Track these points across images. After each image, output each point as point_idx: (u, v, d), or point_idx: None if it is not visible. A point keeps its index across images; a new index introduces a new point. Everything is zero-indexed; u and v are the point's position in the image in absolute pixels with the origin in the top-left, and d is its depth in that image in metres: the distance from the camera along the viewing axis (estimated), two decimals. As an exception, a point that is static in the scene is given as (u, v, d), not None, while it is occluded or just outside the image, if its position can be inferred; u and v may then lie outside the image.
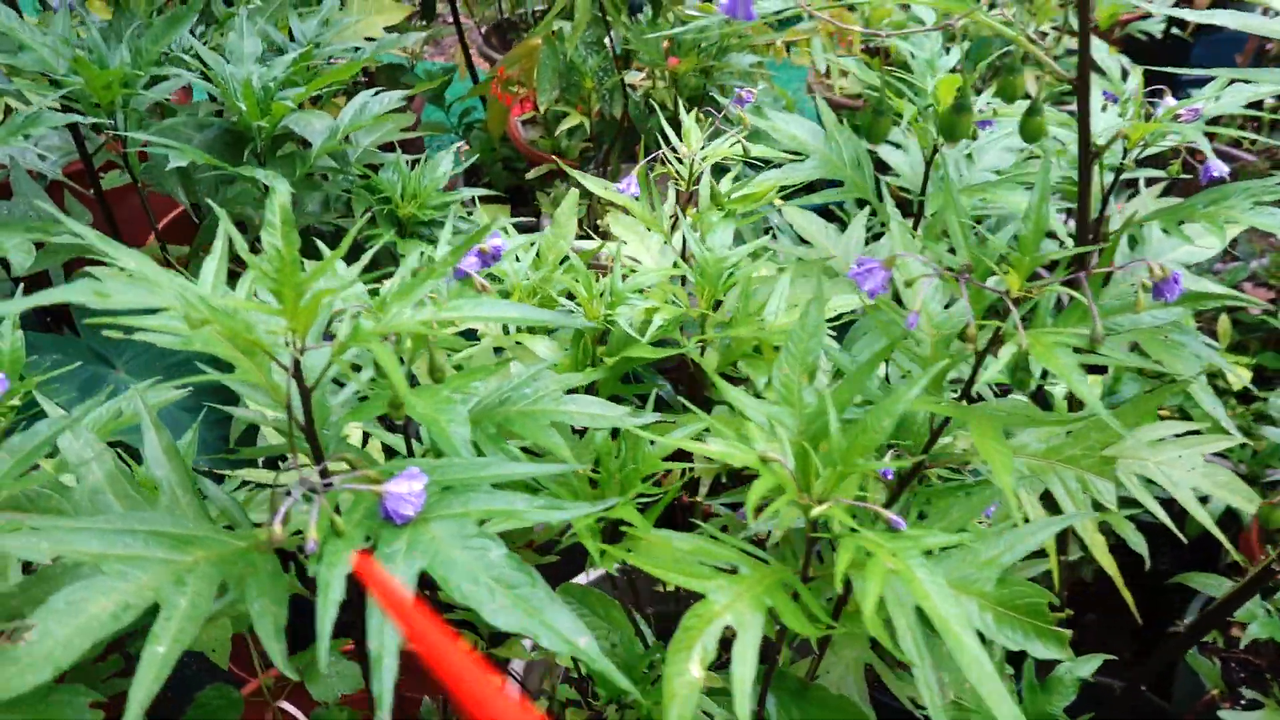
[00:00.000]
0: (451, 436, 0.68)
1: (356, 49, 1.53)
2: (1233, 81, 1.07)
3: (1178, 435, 0.87)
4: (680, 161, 1.01)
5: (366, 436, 1.19)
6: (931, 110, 1.04)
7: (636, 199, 0.94)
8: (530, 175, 1.94)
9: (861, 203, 1.49)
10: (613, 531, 0.86)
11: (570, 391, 0.85)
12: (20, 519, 0.68)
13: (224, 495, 0.79)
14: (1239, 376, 1.34)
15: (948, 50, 1.08)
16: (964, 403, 0.66)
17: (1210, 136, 1.08)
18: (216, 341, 0.62)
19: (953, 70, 1.05)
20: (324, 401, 0.74)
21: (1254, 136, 1.02)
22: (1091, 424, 0.70)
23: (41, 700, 0.60)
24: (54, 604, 0.55)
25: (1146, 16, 2.93)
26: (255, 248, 1.50)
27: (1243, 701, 1.32)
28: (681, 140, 1.01)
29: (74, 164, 1.40)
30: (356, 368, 0.73)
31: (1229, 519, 1.51)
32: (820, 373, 0.76)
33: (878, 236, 1.31)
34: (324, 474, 0.64)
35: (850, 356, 0.83)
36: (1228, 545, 0.95)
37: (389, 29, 2.12)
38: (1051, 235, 1.08)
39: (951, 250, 0.74)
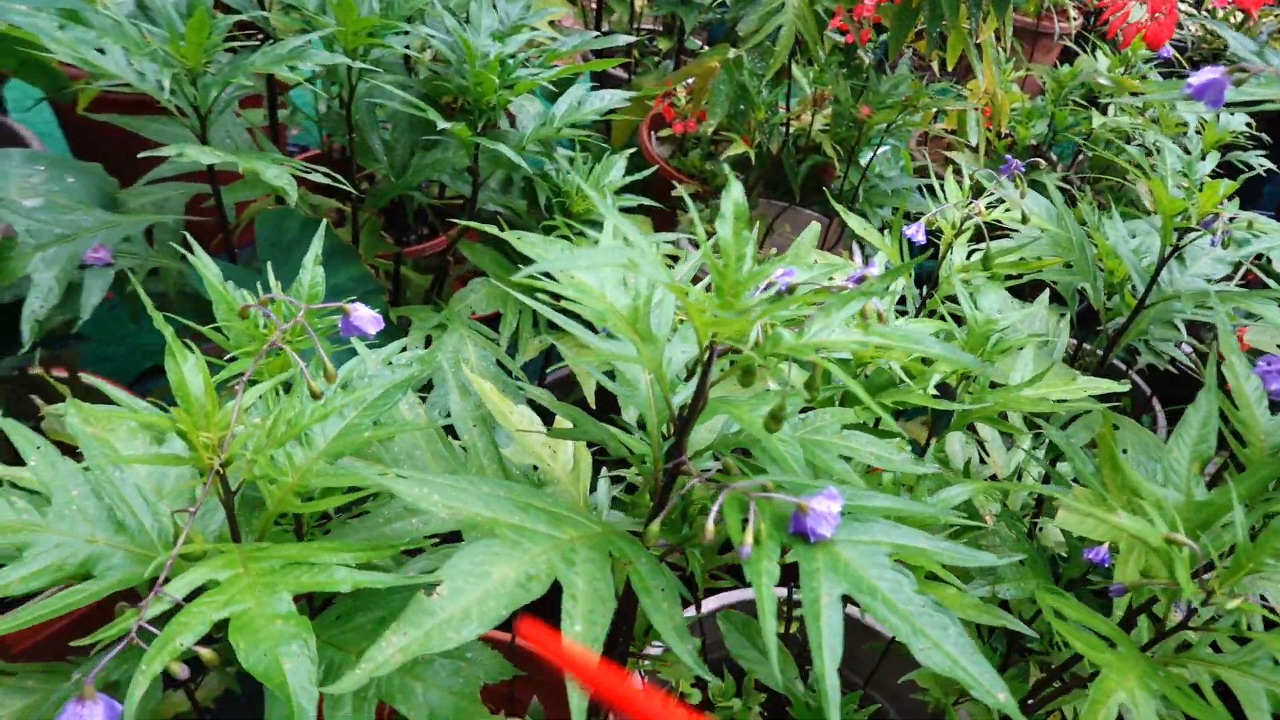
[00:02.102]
0: (787, 456, 0.67)
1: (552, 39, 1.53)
2: None
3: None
4: (940, 218, 1.01)
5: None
6: (1192, 211, 1.05)
7: (923, 247, 0.94)
8: (676, 193, 1.94)
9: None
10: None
11: (846, 427, 0.85)
12: (364, 466, 0.66)
13: (520, 470, 0.77)
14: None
15: (1204, 157, 1.10)
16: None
17: None
18: (620, 323, 0.61)
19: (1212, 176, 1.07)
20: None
21: None
22: None
23: (415, 661, 0.58)
24: (459, 564, 0.53)
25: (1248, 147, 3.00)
26: (445, 219, 1.47)
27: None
28: (949, 199, 1.01)
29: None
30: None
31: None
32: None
33: (1079, 319, 1.32)
34: (683, 472, 0.63)
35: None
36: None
37: (550, 23, 2.12)
38: None
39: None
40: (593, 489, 1.01)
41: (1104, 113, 2.33)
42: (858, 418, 0.89)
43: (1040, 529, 1.22)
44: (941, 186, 1.05)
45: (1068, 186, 2.33)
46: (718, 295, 0.58)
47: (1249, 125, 2.42)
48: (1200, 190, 1.03)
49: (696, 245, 1.97)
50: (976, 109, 1.93)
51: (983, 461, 1.34)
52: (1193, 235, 1.09)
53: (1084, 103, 2.50)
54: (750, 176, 1.94)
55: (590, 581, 0.55)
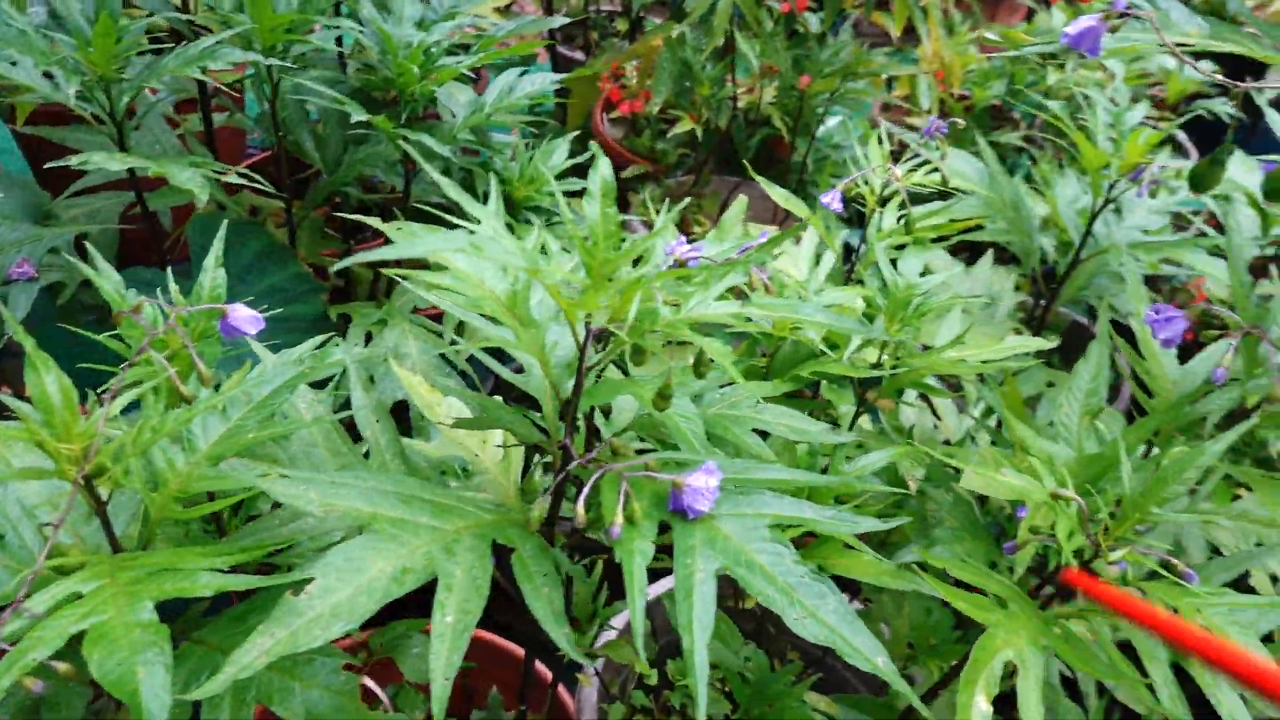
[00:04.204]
0: (687, 432, 0.67)
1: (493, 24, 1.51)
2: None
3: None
4: (866, 183, 1.00)
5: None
6: (1116, 163, 1.04)
7: (840, 214, 0.93)
8: (626, 174, 1.93)
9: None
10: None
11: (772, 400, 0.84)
12: (249, 466, 0.66)
13: (425, 463, 0.77)
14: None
15: (1133, 104, 1.09)
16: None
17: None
18: (498, 308, 0.60)
19: (1140, 124, 1.06)
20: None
21: None
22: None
23: (295, 661, 0.58)
24: (332, 560, 0.53)
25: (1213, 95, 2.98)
26: (385, 213, 1.47)
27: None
28: (871, 162, 1.00)
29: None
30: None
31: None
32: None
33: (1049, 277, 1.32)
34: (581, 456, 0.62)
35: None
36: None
37: (496, 10, 2.10)
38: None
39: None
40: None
41: (1062, 70, 2.31)
42: (776, 390, 0.88)
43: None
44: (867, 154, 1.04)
45: (1026, 146, 2.32)
46: (588, 275, 0.57)
47: (1217, 72, 2.39)
48: (1126, 142, 1.02)
49: (649, 226, 1.95)
50: (927, 73, 1.91)
51: (936, 427, 1.34)
52: (1122, 187, 1.08)
53: (1046, 61, 2.48)
54: (700, 153, 1.93)
55: (469, 571, 0.55)
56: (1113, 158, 1.02)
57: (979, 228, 1.31)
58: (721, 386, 0.85)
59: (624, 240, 0.61)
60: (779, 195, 1.02)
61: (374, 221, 0.65)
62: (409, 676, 1.17)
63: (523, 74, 1.35)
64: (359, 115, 1.08)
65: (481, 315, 0.63)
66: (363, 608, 0.51)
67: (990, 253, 1.38)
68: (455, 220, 0.59)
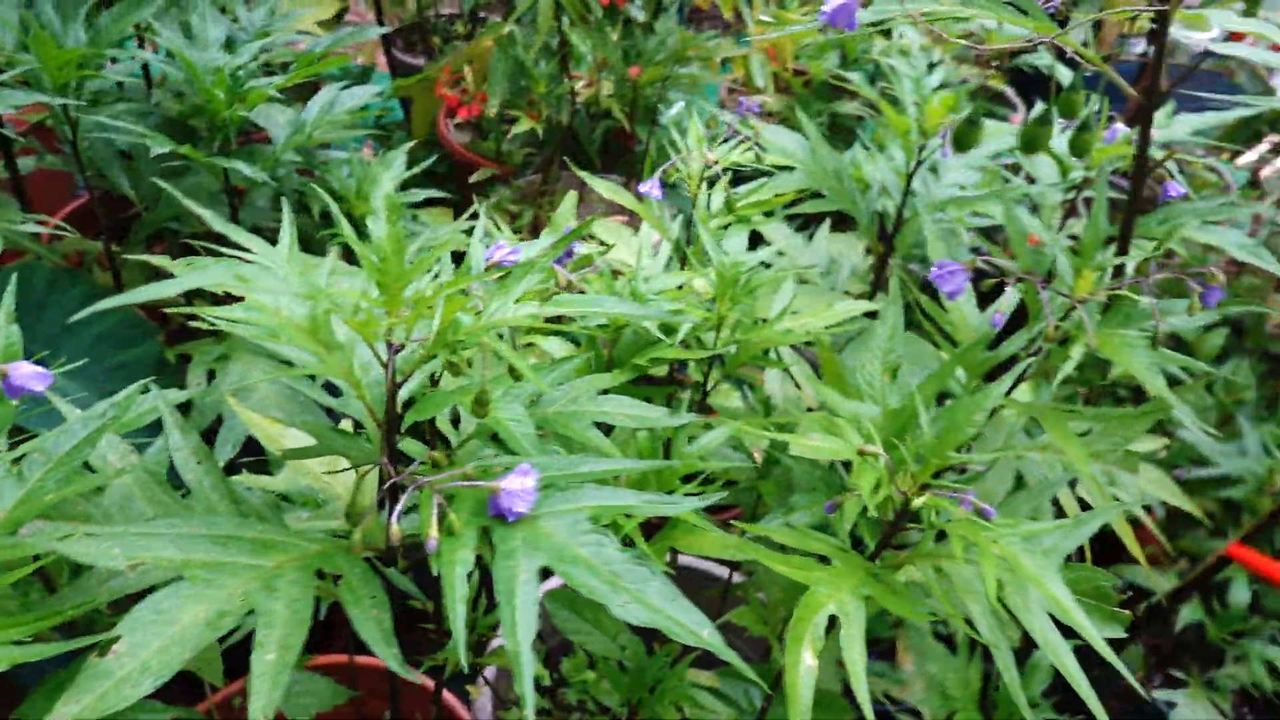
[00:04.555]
0: (516, 434, 0.67)
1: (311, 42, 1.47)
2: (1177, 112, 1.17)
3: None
4: (686, 166, 1.02)
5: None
6: (917, 127, 1.09)
7: (661, 200, 0.95)
8: (475, 178, 1.91)
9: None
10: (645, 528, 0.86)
11: (603, 392, 0.85)
12: (56, 527, 0.63)
13: (257, 498, 0.75)
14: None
15: (931, 69, 1.14)
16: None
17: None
18: (298, 335, 0.59)
19: (938, 88, 1.11)
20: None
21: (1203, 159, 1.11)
22: (1117, 422, 0.75)
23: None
24: (139, 615, 0.51)
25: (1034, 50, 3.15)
26: (192, 246, 1.42)
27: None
28: (690, 147, 1.02)
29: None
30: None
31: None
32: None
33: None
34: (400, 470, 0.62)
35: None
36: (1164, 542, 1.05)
37: (321, 23, 2.05)
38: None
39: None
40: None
41: (888, 38, 2.40)
42: (615, 381, 0.89)
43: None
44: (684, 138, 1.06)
45: (865, 115, 2.40)
46: (381, 291, 0.57)
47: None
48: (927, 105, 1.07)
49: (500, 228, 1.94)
50: (759, 52, 1.95)
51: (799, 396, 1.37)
52: (933, 147, 1.14)
53: (871, 31, 2.57)
54: (546, 152, 1.93)
55: (292, 606, 0.54)
56: (915, 121, 1.07)
57: (818, 197, 1.35)
58: (563, 384, 0.86)
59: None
60: (603, 187, 1.03)
61: (162, 260, 0.63)
62: (290, 716, 1.14)
63: (344, 87, 1.32)
64: (161, 147, 1.04)
65: (286, 343, 0.61)
66: (177, 659, 0.50)
67: (827, 222, 1.42)
68: (228, 252, 0.57)
